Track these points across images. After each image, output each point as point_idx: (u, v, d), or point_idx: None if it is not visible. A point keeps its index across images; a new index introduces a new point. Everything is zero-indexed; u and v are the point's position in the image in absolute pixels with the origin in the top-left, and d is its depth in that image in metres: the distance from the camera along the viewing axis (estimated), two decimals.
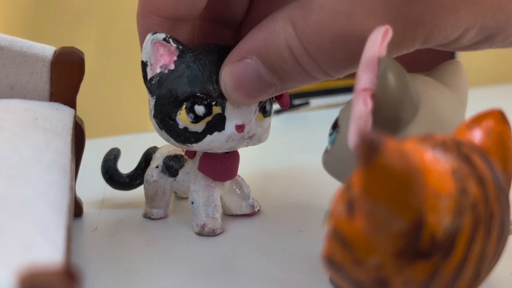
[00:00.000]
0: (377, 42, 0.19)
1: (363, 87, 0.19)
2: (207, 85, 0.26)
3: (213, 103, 0.26)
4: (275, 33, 0.22)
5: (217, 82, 0.26)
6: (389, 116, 0.19)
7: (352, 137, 0.19)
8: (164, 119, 0.27)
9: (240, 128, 0.27)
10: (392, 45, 0.21)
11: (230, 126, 0.26)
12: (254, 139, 0.28)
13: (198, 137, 0.27)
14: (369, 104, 0.19)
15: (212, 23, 0.28)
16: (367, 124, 0.19)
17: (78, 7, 0.60)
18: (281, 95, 0.29)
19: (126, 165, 0.33)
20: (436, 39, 0.22)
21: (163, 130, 0.27)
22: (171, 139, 0.27)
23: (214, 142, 0.27)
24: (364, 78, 0.19)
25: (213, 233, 0.29)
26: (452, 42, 0.22)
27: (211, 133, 0.26)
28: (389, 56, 0.19)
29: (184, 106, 0.26)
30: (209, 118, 0.26)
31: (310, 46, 0.22)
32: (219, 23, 0.28)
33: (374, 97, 0.19)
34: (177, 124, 0.26)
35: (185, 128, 0.26)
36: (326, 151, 0.23)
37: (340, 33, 0.21)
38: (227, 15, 0.28)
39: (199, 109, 0.26)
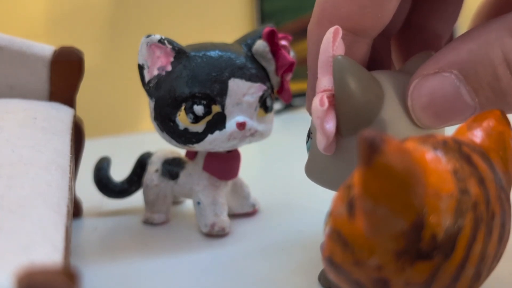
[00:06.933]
0: (330, 43, 0.20)
1: (323, 89, 0.20)
2: (206, 84, 0.26)
3: (212, 102, 0.26)
4: (487, 44, 0.19)
5: (215, 80, 0.26)
6: (358, 110, 0.19)
7: (318, 140, 0.20)
8: (164, 121, 0.26)
9: (241, 125, 0.26)
10: None
11: (231, 124, 0.26)
12: (256, 135, 0.27)
13: (199, 137, 0.26)
14: (325, 103, 0.19)
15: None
16: (328, 122, 0.19)
17: (79, 6, 0.60)
18: (282, 88, 0.29)
19: (126, 165, 0.33)
20: None
21: (164, 132, 0.27)
22: (173, 141, 0.27)
23: (215, 141, 0.26)
24: (323, 80, 0.20)
25: (222, 232, 0.28)
26: None
27: (212, 133, 0.26)
28: (340, 55, 0.20)
29: (183, 107, 0.26)
30: (209, 118, 0.26)
31: None
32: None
33: (333, 96, 0.20)
34: (177, 126, 0.26)
35: (186, 129, 0.26)
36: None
37: None
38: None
39: (198, 109, 0.26)
